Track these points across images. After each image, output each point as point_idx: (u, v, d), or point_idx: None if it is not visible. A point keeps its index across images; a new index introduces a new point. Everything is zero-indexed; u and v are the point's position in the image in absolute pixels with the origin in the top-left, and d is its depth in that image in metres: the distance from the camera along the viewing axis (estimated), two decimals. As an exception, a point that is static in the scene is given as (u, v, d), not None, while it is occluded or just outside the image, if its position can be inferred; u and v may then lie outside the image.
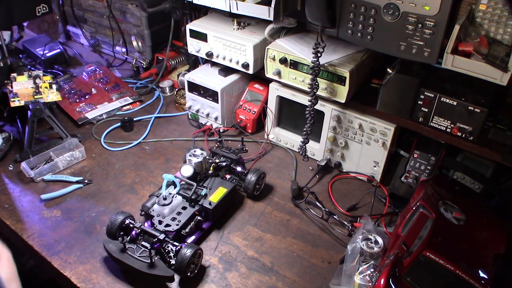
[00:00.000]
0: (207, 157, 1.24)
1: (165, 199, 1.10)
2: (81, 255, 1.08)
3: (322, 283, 1.04)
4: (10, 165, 1.37)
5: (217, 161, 1.26)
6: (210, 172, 1.24)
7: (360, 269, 0.98)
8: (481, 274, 0.82)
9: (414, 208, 0.97)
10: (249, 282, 1.04)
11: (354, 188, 1.32)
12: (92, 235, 1.14)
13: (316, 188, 1.31)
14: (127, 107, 1.65)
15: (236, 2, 1.22)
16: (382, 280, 0.85)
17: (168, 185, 1.16)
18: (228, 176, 1.26)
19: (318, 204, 1.20)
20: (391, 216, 1.22)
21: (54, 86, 1.40)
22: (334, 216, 1.17)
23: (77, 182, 1.30)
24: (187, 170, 1.18)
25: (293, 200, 1.27)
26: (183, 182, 1.17)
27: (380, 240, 1.01)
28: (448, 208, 0.95)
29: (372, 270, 0.97)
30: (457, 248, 0.88)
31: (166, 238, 1.03)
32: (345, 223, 1.16)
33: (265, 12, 1.19)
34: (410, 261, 0.86)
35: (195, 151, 1.23)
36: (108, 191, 1.28)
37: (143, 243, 1.03)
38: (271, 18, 1.19)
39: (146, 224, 1.10)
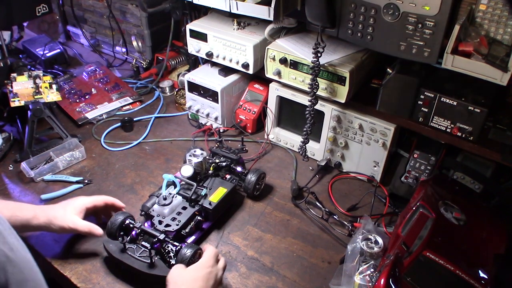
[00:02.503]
0: (207, 157, 1.24)
1: (165, 199, 1.10)
2: (81, 255, 1.08)
3: (322, 283, 1.04)
4: (10, 165, 1.37)
5: (217, 161, 1.26)
6: (210, 172, 1.23)
7: (360, 269, 0.98)
8: (481, 274, 0.82)
9: (414, 208, 0.97)
10: (249, 282, 1.04)
11: (354, 188, 1.33)
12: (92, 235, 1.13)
13: (316, 188, 1.31)
14: (127, 107, 1.65)
15: (236, 2, 1.22)
16: (382, 280, 0.85)
17: (168, 185, 1.16)
18: (228, 176, 1.26)
19: (318, 204, 1.20)
20: (391, 216, 1.22)
21: (54, 86, 1.40)
22: (334, 216, 1.17)
23: (77, 182, 1.30)
24: (187, 170, 1.18)
25: (293, 200, 1.27)
26: (183, 182, 1.17)
27: (380, 240, 1.01)
28: (448, 208, 0.95)
29: (372, 270, 0.97)
30: (457, 248, 0.88)
31: (166, 238, 1.03)
32: (345, 223, 1.16)
33: (265, 12, 1.19)
34: (410, 261, 0.86)
35: (195, 151, 1.23)
36: (108, 191, 1.28)
37: (143, 243, 1.03)
38: (271, 18, 1.19)
39: (146, 224, 1.10)
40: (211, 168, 1.24)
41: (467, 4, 0.99)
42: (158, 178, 1.33)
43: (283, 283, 1.04)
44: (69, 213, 1.03)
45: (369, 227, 1.05)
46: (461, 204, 0.97)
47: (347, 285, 0.97)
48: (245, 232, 1.17)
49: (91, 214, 1.11)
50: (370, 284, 0.95)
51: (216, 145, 1.34)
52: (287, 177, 1.36)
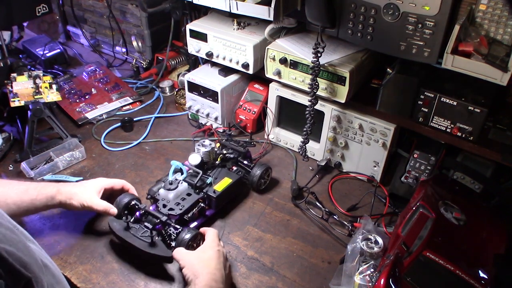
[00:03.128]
0: (215, 149, 1.26)
1: (171, 184, 1.13)
2: (81, 255, 1.08)
3: (322, 283, 1.04)
4: (10, 165, 1.37)
5: (224, 152, 1.27)
6: (217, 162, 1.26)
7: (360, 269, 0.98)
8: (481, 274, 0.82)
9: (414, 208, 0.97)
10: (249, 282, 1.04)
11: (354, 188, 1.32)
12: (92, 235, 1.14)
13: (316, 188, 1.31)
14: (127, 107, 1.65)
15: (236, 2, 1.22)
16: (382, 280, 0.85)
17: (175, 172, 1.18)
18: (234, 168, 1.28)
19: (318, 204, 1.20)
20: (391, 216, 1.22)
21: (54, 86, 1.40)
22: (334, 216, 1.17)
23: (77, 182, 1.30)
24: (194, 159, 1.20)
25: (293, 200, 1.27)
26: (190, 170, 1.19)
27: (380, 240, 1.01)
28: (448, 208, 0.95)
29: (372, 270, 0.97)
30: (457, 248, 0.88)
31: (168, 221, 1.05)
32: (345, 223, 1.16)
33: (265, 12, 1.19)
34: (410, 261, 0.86)
35: (204, 141, 1.26)
36: (108, 191, 1.28)
37: (145, 223, 1.05)
38: (271, 18, 1.19)
39: (151, 208, 1.13)
40: (219, 159, 1.26)
41: (467, 4, 1.00)
42: (158, 178, 1.32)
43: (283, 283, 1.04)
44: (88, 191, 1.09)
45: (369, 227, 1.05)
46: (461, 204, 0.97)
47: (347, 285, 0.97)
48: (245, 232, 1.17)
49: (108, 195, 1.15)
50: (370, 284, 0.95)
51: (226, 138, 1.35)
52: (287, 177, 1.36)
